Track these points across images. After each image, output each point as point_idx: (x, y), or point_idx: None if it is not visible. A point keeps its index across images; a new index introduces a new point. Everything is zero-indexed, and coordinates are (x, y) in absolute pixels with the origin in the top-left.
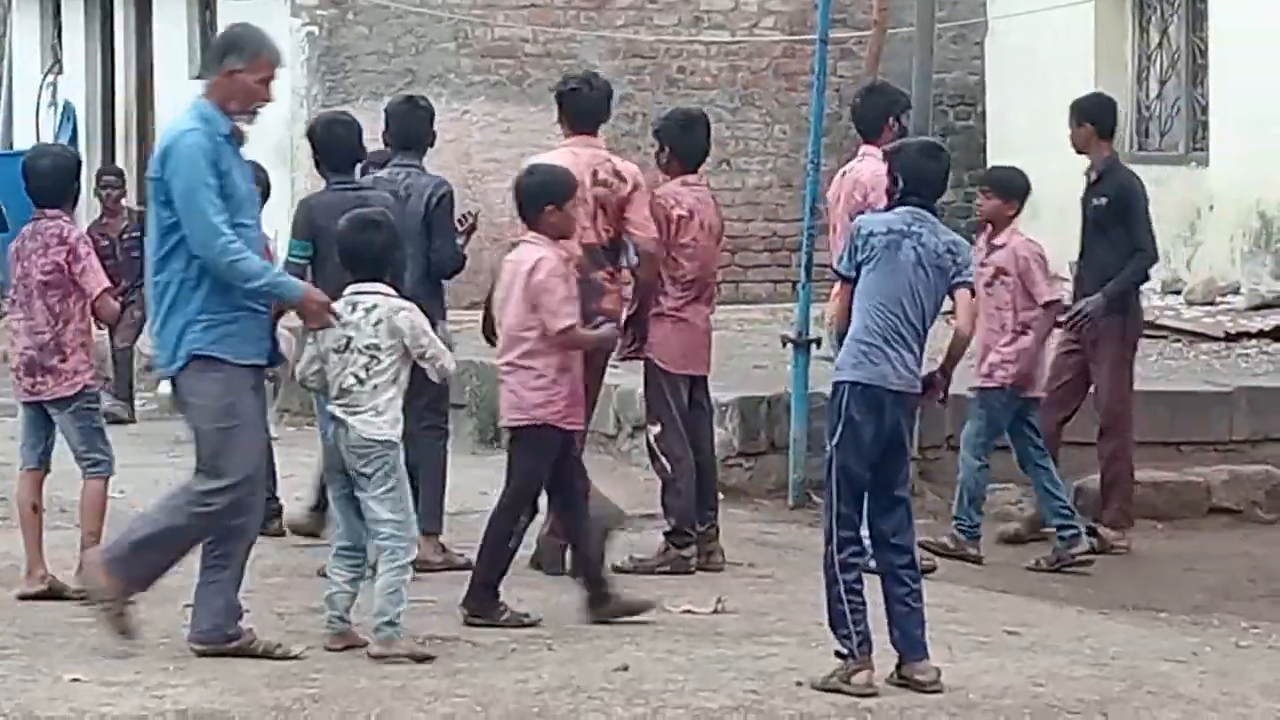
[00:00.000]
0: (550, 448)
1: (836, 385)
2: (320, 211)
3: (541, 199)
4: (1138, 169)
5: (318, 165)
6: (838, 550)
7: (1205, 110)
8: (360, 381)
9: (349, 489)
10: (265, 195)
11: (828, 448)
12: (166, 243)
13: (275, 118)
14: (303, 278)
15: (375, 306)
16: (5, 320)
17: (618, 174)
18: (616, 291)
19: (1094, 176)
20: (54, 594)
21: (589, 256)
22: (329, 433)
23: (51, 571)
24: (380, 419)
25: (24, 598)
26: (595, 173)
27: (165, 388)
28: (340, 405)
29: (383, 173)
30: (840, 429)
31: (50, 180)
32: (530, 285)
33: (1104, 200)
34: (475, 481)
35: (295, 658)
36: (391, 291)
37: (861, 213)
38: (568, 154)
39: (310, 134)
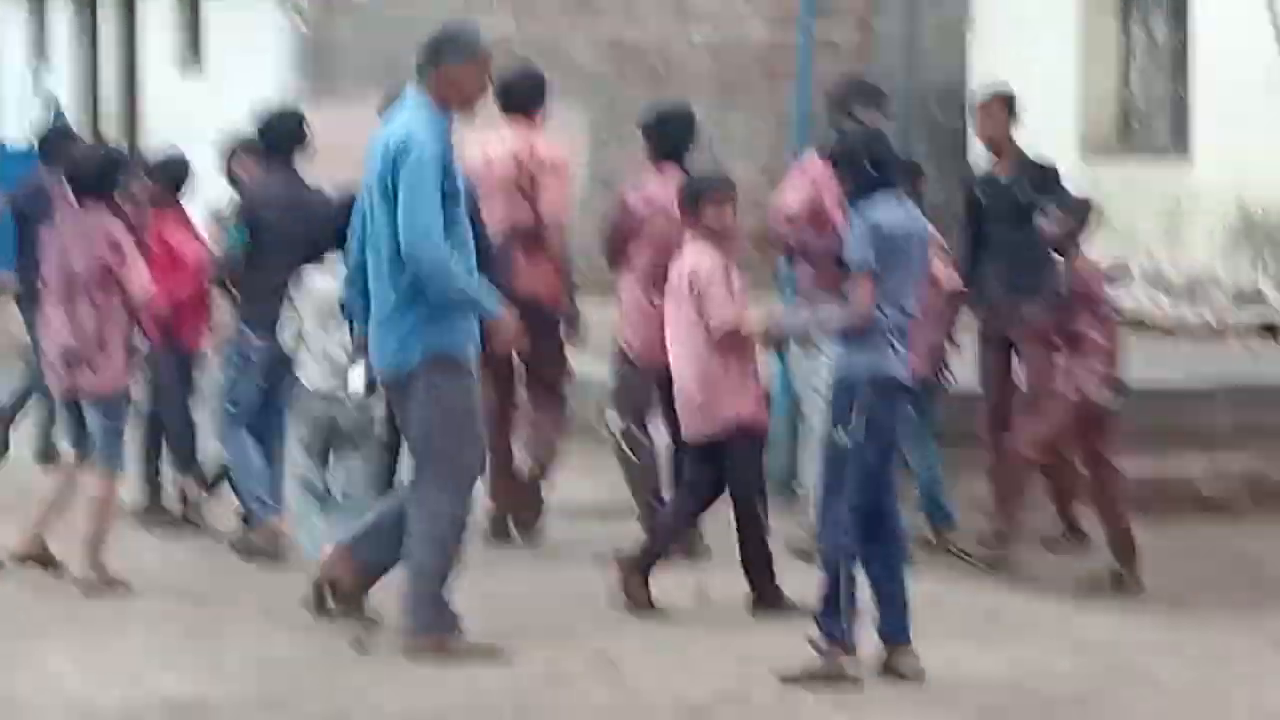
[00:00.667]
0: (757, 443)
1: (846, 378)
2: (261, 200)
3: (686, 201)
4: (1120, 164)
5: (263, 156)
6: (843, 536)
7: (1187, 105)
8: (348, 358)
9: (328, 455)
10: (181, 182)
11: (840, 438)
12: (396, 241)
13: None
14: (240, 262)
15: None
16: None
17: (534, 155)
18: (538, 272)
19: (1012, 171)
20: (43, 560)
21: (506, 240)
22: (317, 405)
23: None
24: (370, 395)
25: (18, 557)
26: (516, 157)
27: (358, 381)
28: (329, 377)
29: None
30: (858, 420)
31: (92, 174)
32: (694, 291)
33: (1027, 192)
34: None
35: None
36: None
37: None
38: (495, 141)
39: (258, 125)
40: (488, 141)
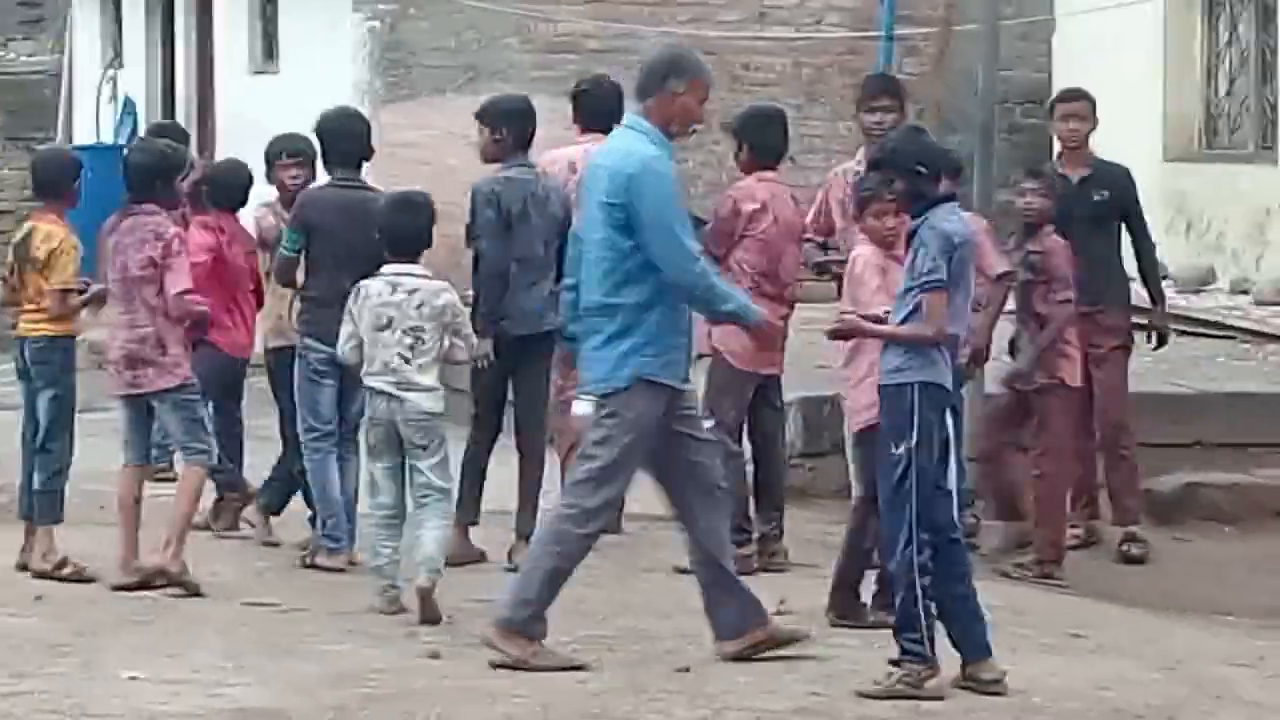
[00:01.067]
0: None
1: (902, 386)
2: (318, 206)
3: (855, 202)
4: (1206, 168)
5: (324, 160)
6: (917, 552)
7: (1275, 109)
8: (406, 361)
9: (398, 460)
10: (245, 196)
11: (898, 450)
12: (622, 267)
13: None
14: (294, 269)
15: (417, 289)
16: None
17: None
18: None
19: (1087, 172)
20: (145, 584)
21: None
22: (379, 408)
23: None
24: (434, 394)
25: (118, 588)
26: None
27: (586, 407)
28: (389, 382)
29: (512, 172)
30: (918, 430)
31: (147, 174)
32: (850, 279)
33: (1105, 194)
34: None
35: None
36: (429, 273)
37: None
38: (579, 150)
39: (318, 129)
40: (572, 153)
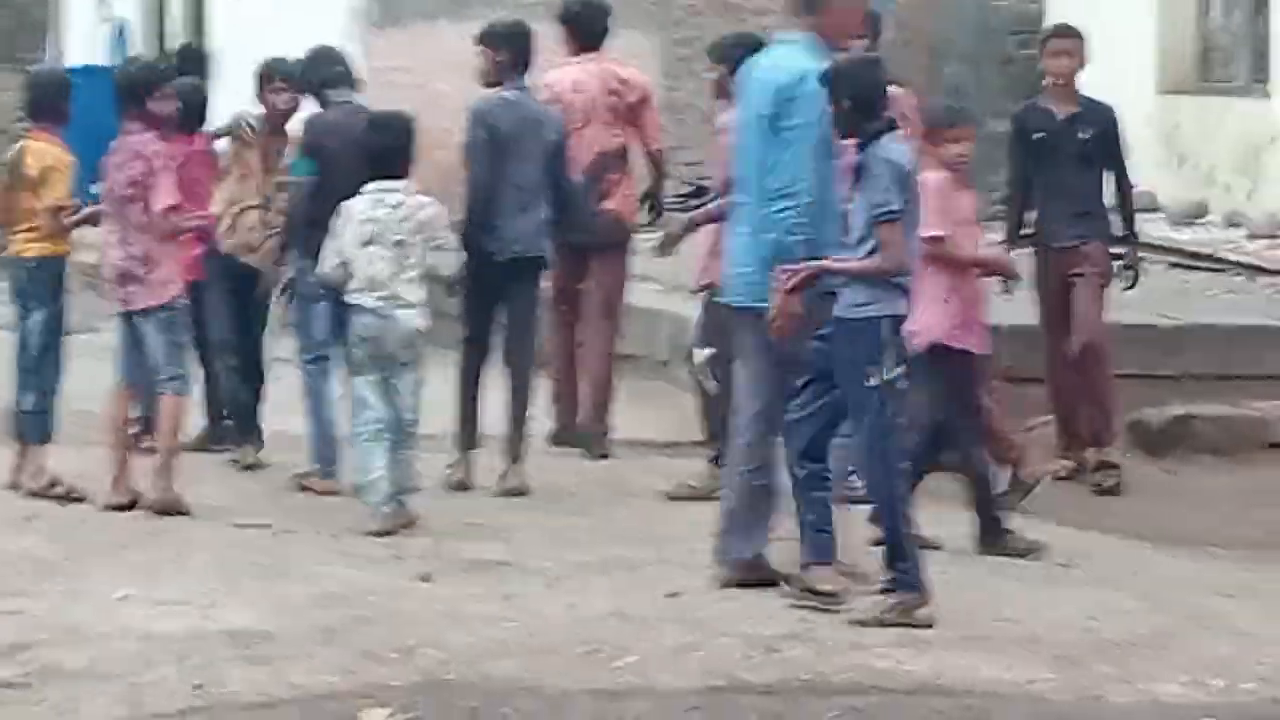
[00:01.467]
0: (950, 367)
1: (871, 320)
2: (327, 130)
3: (927, 129)
4: (1200, 101)
5: (322, 83)
6: (898, 482)
7: (1269, 41)
8: (392, 276)
9: (383, 374)
10: (202, 117)
11: (871, 382)
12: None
13: (332, 39)
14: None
15: (400, 204)
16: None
17: (624, 82)
18: (626, 194)
19: (1074, 110)
20: (136, 505)
21: (600, 163)
22: (366, 324)
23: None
24: (420, 310)
25: (110, 508)
26: (605, 83)
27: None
28: (376, 299)
29: (508, 94)
30: (890, 362)
31: (128, 92)
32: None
33: (1091, 132)
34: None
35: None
36: (414, 188)
37: None
38: (579, 69)
39: (310, 54)
40: (574, 72)
